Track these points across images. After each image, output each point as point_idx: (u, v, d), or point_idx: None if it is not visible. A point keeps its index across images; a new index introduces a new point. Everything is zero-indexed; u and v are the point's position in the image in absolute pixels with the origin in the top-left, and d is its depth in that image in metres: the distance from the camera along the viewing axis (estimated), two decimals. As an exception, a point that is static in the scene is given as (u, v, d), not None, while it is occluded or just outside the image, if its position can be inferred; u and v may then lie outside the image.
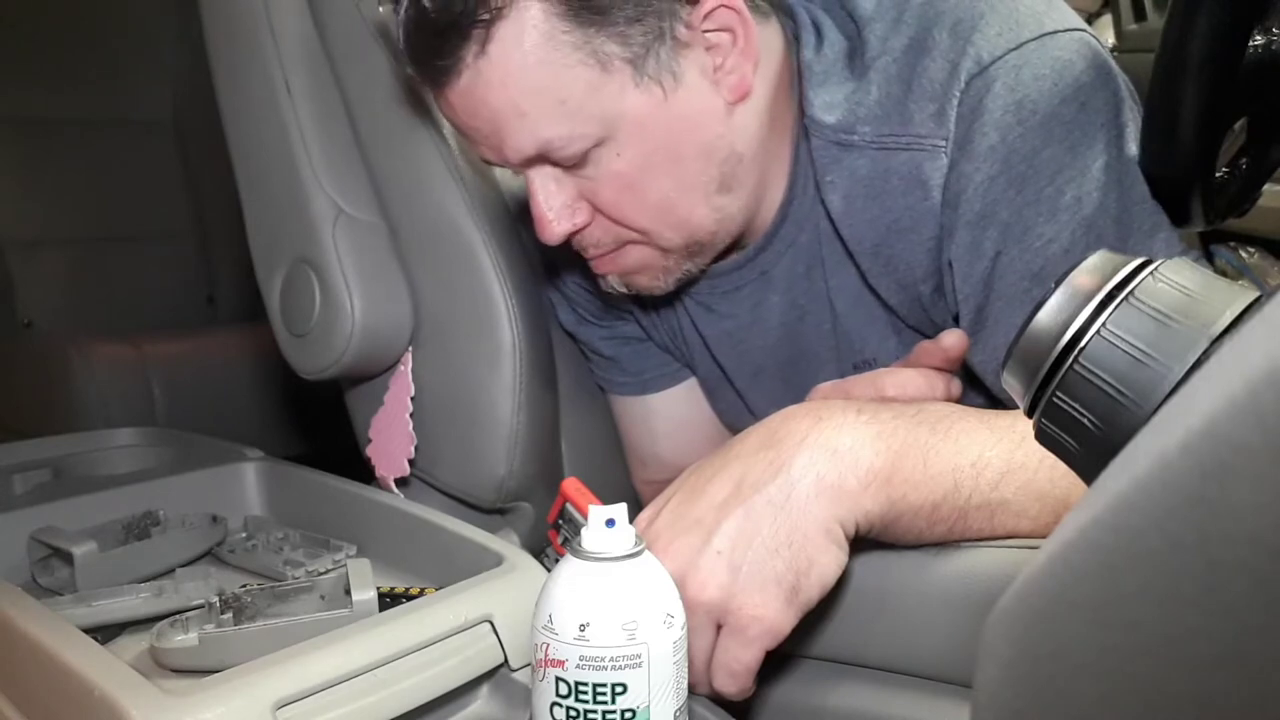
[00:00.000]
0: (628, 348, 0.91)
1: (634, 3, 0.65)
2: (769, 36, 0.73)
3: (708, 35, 0.68)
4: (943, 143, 0.67)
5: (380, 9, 0.75)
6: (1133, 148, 0.66)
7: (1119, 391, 0.30)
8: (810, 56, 0.72)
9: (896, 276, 0.72)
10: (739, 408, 0.87)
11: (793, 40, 0.75)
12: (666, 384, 0.91)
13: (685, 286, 0.81)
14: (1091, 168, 0.65)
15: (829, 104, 0.71)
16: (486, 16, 0.65)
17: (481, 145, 0.72)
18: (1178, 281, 0.30)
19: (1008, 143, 0.65)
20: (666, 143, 0.69)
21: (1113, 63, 0.68)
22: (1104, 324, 0.30)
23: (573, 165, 0.70)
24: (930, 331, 0.72)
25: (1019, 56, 0.65)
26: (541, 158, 0.70)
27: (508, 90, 0.66)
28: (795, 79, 0.74)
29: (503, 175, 0.88)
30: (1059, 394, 0.31)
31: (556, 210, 0.72)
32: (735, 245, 0.79)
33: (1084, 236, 0.65)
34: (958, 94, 0.66)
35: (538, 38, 0.65)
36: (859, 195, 0.71)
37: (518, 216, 0.86)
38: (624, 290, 0.79)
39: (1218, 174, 0.64)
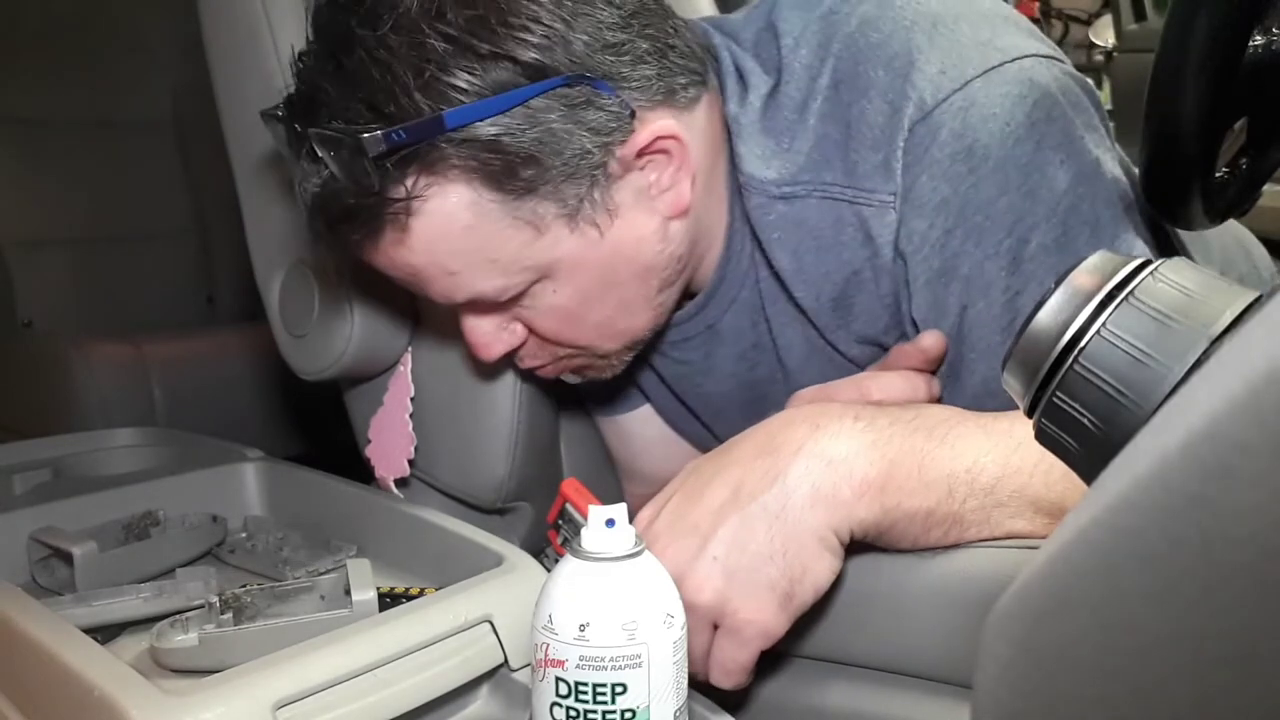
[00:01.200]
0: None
1: (563, 162, 0.61)
2: (698, 115, 0.68)
3: (641, 159, 0.65)
4: (890, 198, 0.63)
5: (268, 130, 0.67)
6: (1092, 159, 0.62)
7: (1119, 391, 0.30)
8: (735, 110, 0.68)
9: (856, 330, 0.69)
10: (706, 437, 0.85)
11: (718, 93, 0.69)
12: (636, 404, 0.89)
13: None
14: (1058, 208, 0.61)
15: (763, 157, 0.66)
16: (403, 199, 0.61)
17: (404, 284, 0.68)
18: (1178, 281, 0.30)
19: (960, 194, 0.61)
20: (605, 274, 0.67)
21: (1070, 82, 0.63)
22: (1104, 324, 0.30)
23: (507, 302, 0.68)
24: None
25: (964, 97, 0.60)
26: (473, 304, 0.68)
27: (433, 255, 0.64)
28: (725, 133, 0.69)
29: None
30: (1059, 394, 0.31)
31: (490, 334, 0.70)
32: (682, 296, 0.75)
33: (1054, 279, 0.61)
34: (901, 142, 0.62)
35: (464, 210, 0.62)
36: (809, 250, 0.67)
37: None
38: (574, 380, 0.78)
39: (1218, 174, 0.64)
